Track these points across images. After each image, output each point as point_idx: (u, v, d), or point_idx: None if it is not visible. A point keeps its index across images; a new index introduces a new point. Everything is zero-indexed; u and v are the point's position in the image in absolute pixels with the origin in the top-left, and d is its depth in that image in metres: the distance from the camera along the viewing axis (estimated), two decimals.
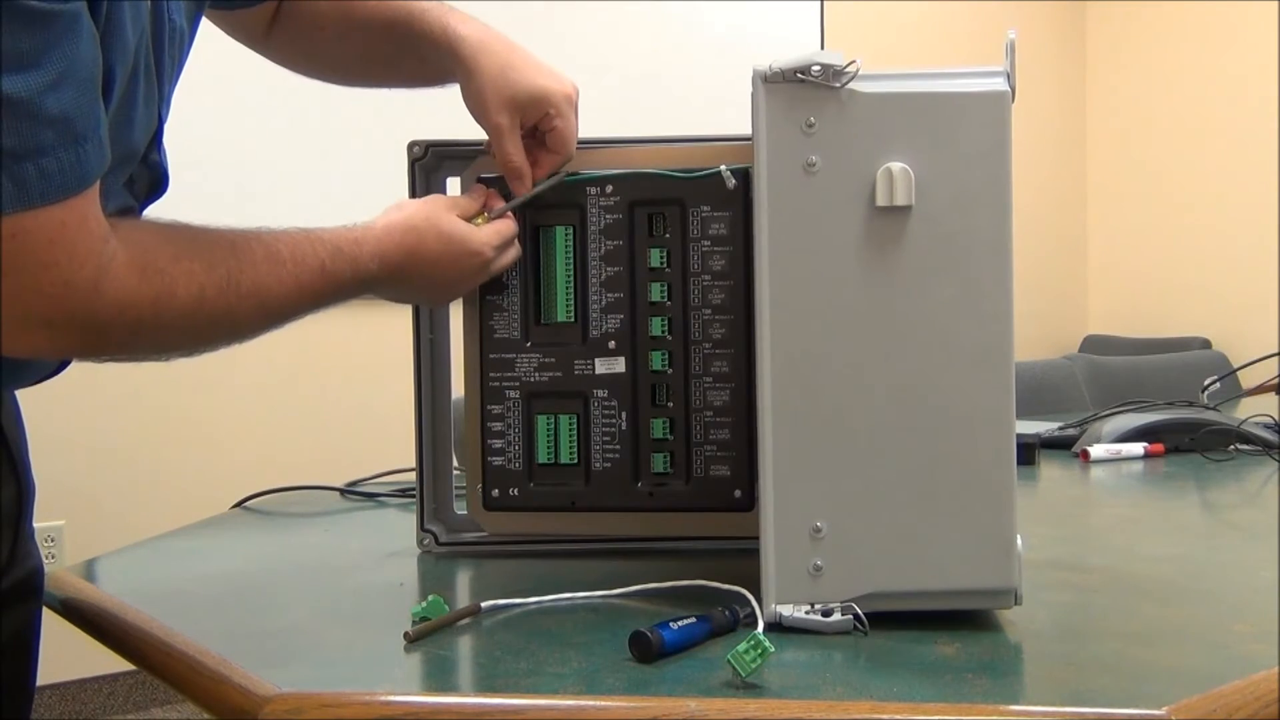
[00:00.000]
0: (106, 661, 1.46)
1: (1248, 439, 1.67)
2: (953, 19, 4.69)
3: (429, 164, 1.07)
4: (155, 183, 0.94)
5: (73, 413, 2.87)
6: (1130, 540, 1.17)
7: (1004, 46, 0.81)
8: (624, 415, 1.02)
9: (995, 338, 0.80)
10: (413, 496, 1.12)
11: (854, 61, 0.79)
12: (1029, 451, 1.59)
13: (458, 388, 1.09)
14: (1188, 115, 4.88)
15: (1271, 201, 4.55)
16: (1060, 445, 1.74)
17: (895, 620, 0.79)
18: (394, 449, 1.56)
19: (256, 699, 0.69)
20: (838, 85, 0.79)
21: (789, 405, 0.80)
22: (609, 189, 1.02)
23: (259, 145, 3.13)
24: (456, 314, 1.06)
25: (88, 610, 0.93)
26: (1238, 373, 2.39)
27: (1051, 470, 1.59)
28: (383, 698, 0.69)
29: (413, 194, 1.06)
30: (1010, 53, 0.80)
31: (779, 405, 0.80)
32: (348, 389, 3.33)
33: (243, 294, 0.85)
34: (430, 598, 0.82)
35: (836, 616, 0.78)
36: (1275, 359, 2.14)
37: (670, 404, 1.02)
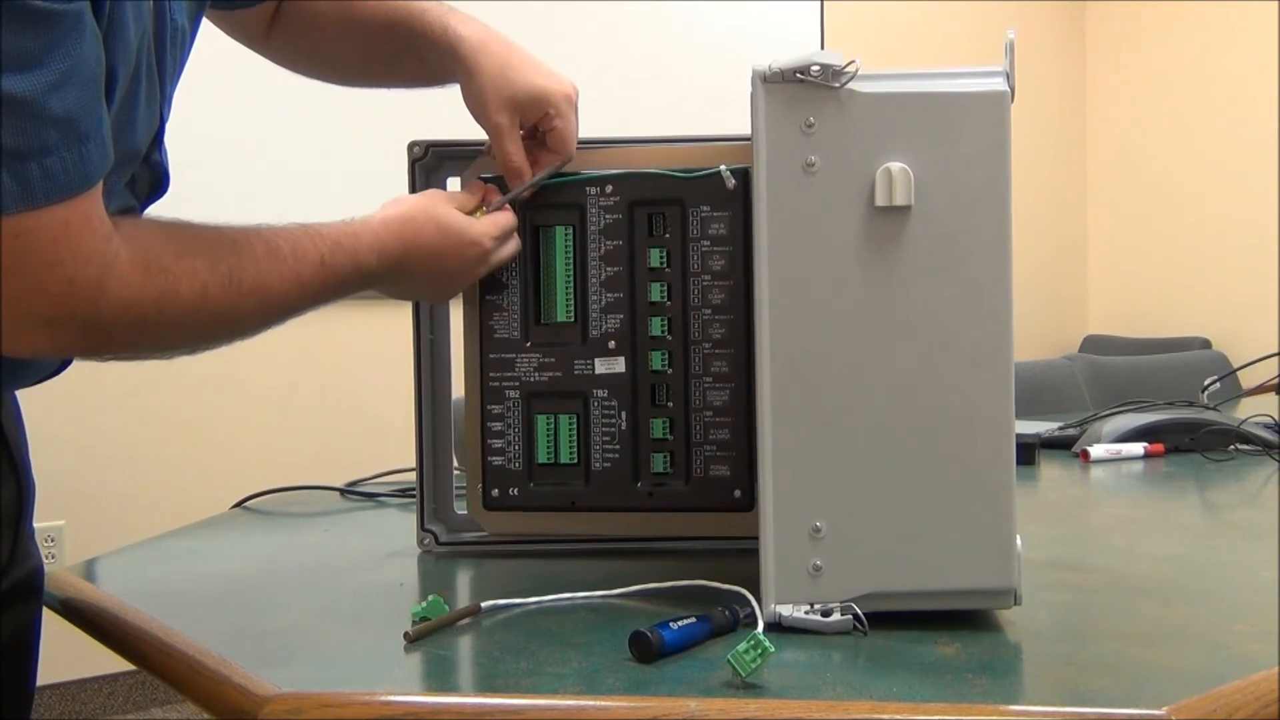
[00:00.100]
0: (106, 661, 1.46)
1: (1248, 439, 1.67)
2: (953, 19, 4.69)
3: (429, 164, 1.07)
4: (156, 182, 0.94)
5: (73, 413, 2.87)
6: (1130, 540, 1.17)
7: (1003, 46, 0.81)
8: (624, 415, 1.02)
9: (995, 338, 0.80)
10: (412, 496, 1.13)
11: (853, 61, 0.79)
12: (1029, 451, 1.59)
13: (458, 388, 1.09)
14: (1188, 115, 4.88)
15: (1271, 201, 4.55)
16: (1060, 445, 1.74)
17: (895, 620, 0.79)
18: (394, 449, 1.56)
19: (256, 699, 0.69)
20: (837, 85, 0.79)
21: (788, 405, 0.80)
22: (609, 189, 1.02)
23: (259, 145, 3.14)
24: (457, 314, 1.06)
25: (88, 610, 0.93)
26: (1238, 373, 2.39)
27: (1051, 470, 1.59)
28: (383, 698, 0.69)
29: (413, 193, 1.06)
30: (1010, 53, 0.80)
31: (778, 405, 0.80)
32: (348, 389, 3.33)
33: (245, 290, 0.85)
34: (430, 598, 0.82)
35: (836, 616, 0.78)
36: (1275, 359, 2.14)
37: (670, 404, 1.02)
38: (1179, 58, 4.91)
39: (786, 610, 0.79)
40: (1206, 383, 1.95)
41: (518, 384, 1.04)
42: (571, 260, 1.03)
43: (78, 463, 2.96)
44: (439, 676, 0.77)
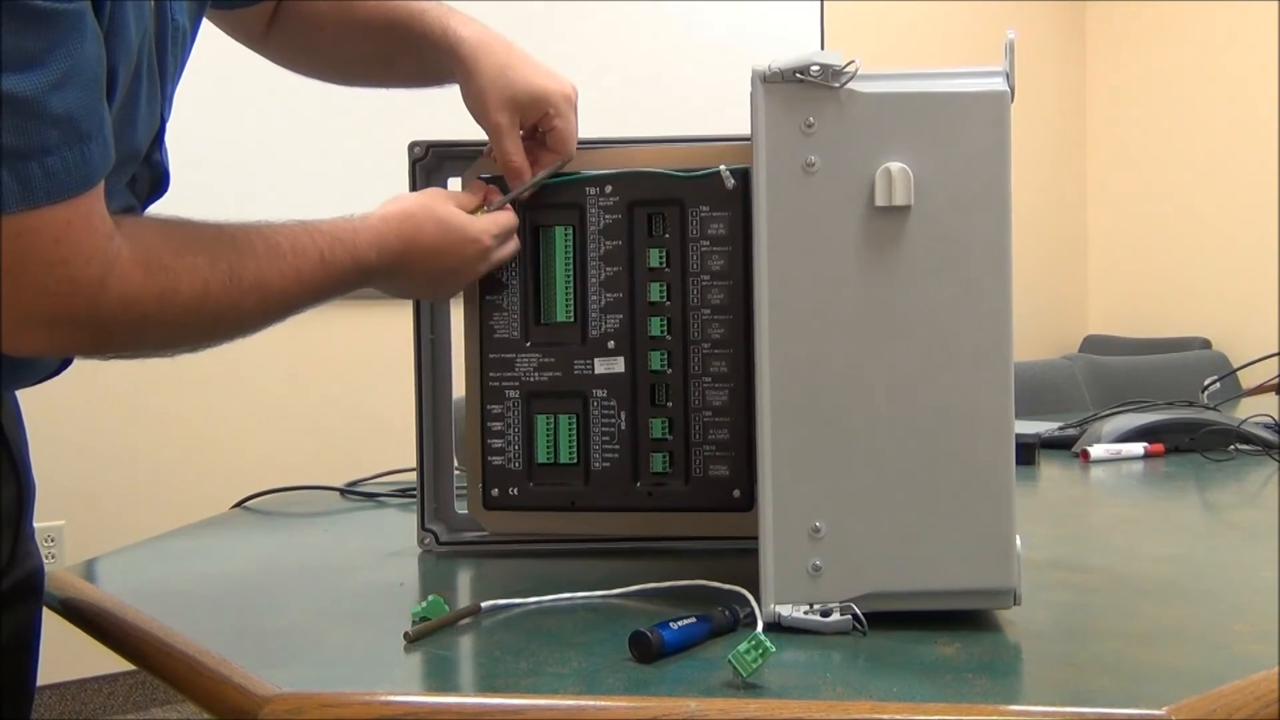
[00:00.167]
0: (106, 661, 1.46)
1: (1248, 439, 1.67)
2: (953, 19, 4.69)
3: (430, 164, 1.07)
4: (157, 182, 0.94)
5: (73, 413, 2.87)
6: (1130, 540, 1.17)
7: (1003, 46, 0.81)
8: (623, 415, 1.02)
9: (994, 338, 0.80)
10: (413, 496, 1.13)
11: (853, 61, 0.79)
12: (1029, 451, 1.59)
13: (458, 388, 1.09)
14: (1188, 115, 4.88)
15: (1271, 201, 4.55)
16: (1060, 445, 1.74)
17: (895, 620, 0.79)
18: (394, 449, 1.56)
19: (256, 699, 0.69)
20: (837, 85, 0.79)
21: (788, 405, 0.80)
22: (608, 189, 1.02)
23: (259, 145, 3.14)
24: (457, 314, 1.07)
25: (88, 610, 0.93)
26: (1238, 373, 2.39)
27: (1051, 470, 1.59)
28: (383, 698, 0.69)
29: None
30: (1010, 53, 0.80)
31: (778, 405, 0.80)
32: (348, 389, 3.33)
33: (245, 288, 0.85)
34: (430, 598, 0.82)
35: (835, 616, 0.78)
36: (1275, 359, 2.14)
37: (669, 404, 1.02)
38: (1179, 58, 4.91)
39: (786, 610, 0.79)
40: (1206, 383, 1.95)
41: (517, 384, 1.04)
42: (571, 260, 1.03)
43: (78, 463, 2.96)
44: (439, 676, 0.77)
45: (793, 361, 0.80)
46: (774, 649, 0.69)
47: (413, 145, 1.07)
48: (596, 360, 1.03)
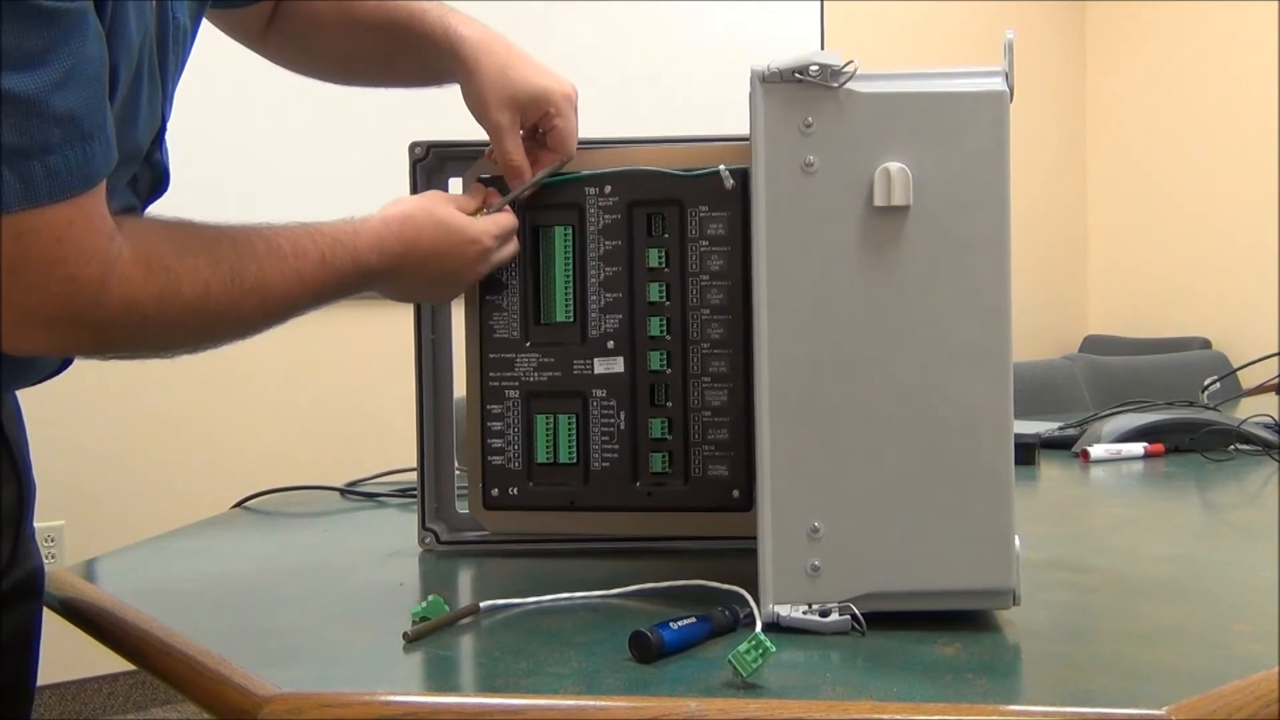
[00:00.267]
0: (106, 661, 1.46)
1: (1248, 439, 1.67)
2: (953, 19, 4.69)
3: (430, 164, 1.07)
4: (157, 181, 0.94)
5: (73, 413, 2.87)
6: (1130, 540, 1.17)
7: (1003, 46, 0.81)
8: (622, 415, 1.02)
9: (993, 337, 0.80)
10: (413, 496, 1.13)
11: (851, 61, 0.79)
12: (1029, 451, 1.59)
13: (459, 388, 1.09)
14: (1188, 115, 4.88)
15: (1271, 201, 4.55)
16: (1060, 445, 1.74)
17: (894, 620, 0.79)
18: (394, 449, 1.56)
19: (256, 699, 0.69)
20: (835, 85, 0.79)
21: (787, 405, 0.80)
22: (608, 189, 1.02)
23: (259, 145, 3.14)
24: (458, 314, 1.07)
25: (88, 610, 0.93)
26: (1238, 373, 2.39)
27: (1051, 470, 1.59)
28: (383, 698, 0.69)
29: (414, 194, 1.06)
30: (1009, 53, 0.80)
31: (777, 405, 0.80)
32: (348, 389, 3.33)
33: (246, 289, 0.85)
34: (430, 598, 0.82)
35: (834, 617, 0.78)
36: (1275, 359, 2.14)
37: (669, 404, 1.02)
38: (1179, 58, 4.91)
39: (785, 610, 0.79)
40: (1206, 383, 1.95)
41: (517, 384, 1.04)
42: (571, 260, 1.03)
43: (78, 463, 2.96)
44: (439, 676, 0.77)
45: (792, 361, 0.80)
46: (774, 649, 0.69)
47: (413, 145, 1.07)
48: (596, 360, 1.03)
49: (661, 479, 1.02)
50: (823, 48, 3.98)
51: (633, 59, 3.69)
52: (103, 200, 0.77)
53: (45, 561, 0.99)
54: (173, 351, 0.88)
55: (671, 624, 0.75)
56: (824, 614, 0.79)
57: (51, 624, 0.97)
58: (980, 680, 0.70)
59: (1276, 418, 1.72)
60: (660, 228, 1.02)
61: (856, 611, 0.78)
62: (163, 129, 0.91)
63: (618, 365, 1.02)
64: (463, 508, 1.09)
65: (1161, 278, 5.00)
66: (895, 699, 0.66)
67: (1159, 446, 1.67)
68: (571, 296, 1.03)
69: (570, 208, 1.03)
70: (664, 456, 1.02)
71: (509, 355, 1.04)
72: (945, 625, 0.79)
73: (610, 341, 1.03)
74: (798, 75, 0.79)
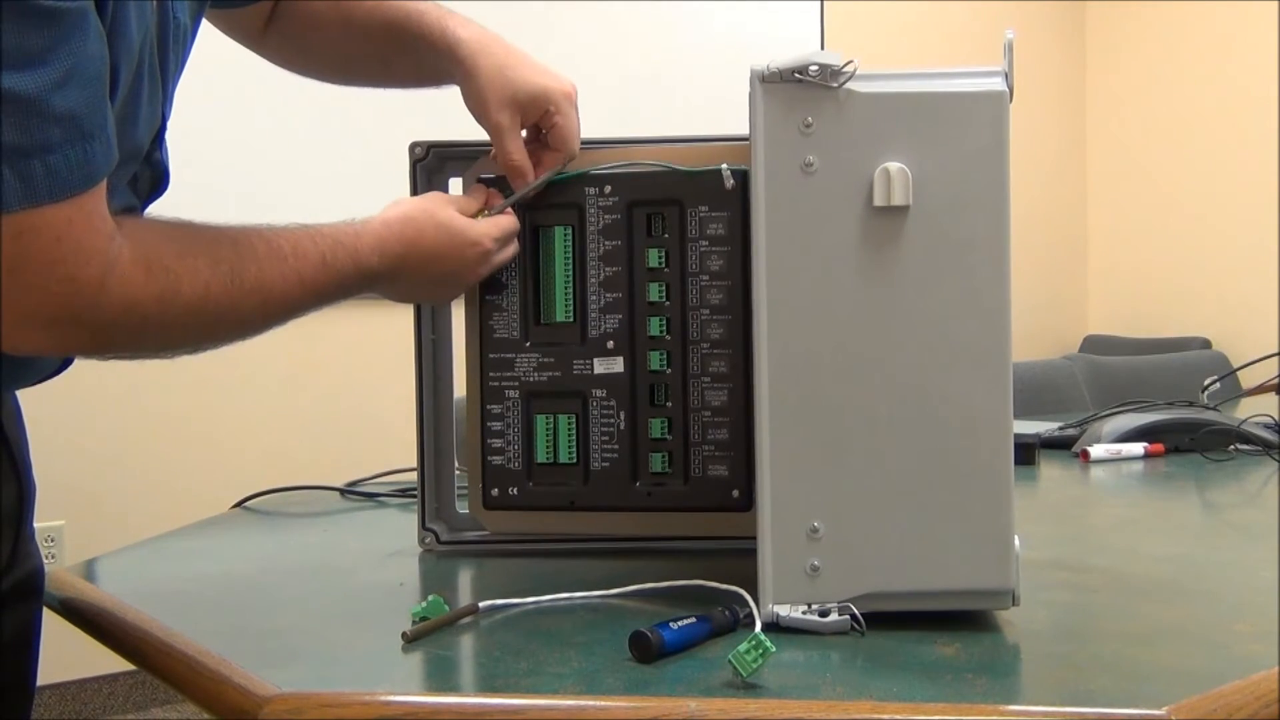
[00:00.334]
0: (106, 661, 1.46)
1: (1248, 439, 1.67)
2: (953, 19, 4.69)
3: (431, 165, 1.07)
4: (157, 181, 0.94)
5: (73, 413, 2.87)
6: (1130, 540, 1.17)
7: (1003, 46, 0.81)
8: (622, 415, 1.02)
9: (993, 337, 0.80)
10: (413, 496, 1.13)
11: (851, 61, 0.79)
12: (1029, 451, 1.59)
13: (459, 388, 1.09)
14: (1188, 115, 4.88)
15: (1271, 201, 4.55)
16: (1060, 445, 1.74)
17: (894, 620, 0.79)
18: (394, 449, 1.56)
19: (256, 699, 0.69)
20: (835, 85, 0.79)
21: (787, 405, 0.80)
22: (608, 189, 1.02)
23: (259, 145, 3.14)
24: (458, 314, 1.07)
25: (88, 610, 0.93)
26: (1238, 373, 2.39)
27: (1051, 470, 1.59)
28: (382, 698, 0.69)
29: (414, 195, 1.06)
30: (1009, 53, 0.80)
31: (776, 405, 0.80)
32: (348, 389, 3.33)
33: (246, 290, 0.85)
34: (430, 598, 0.83)
35: (834, 617, 0.78)
36: (1275, 359, 2.14)
37: (668, 404, 1.02)
38: (1179, 58, 4.91)
39: (784, 610, 0.79)
40: (1206, 383, 1.95)
41: (517, 384, 1.04)
42: (571, 260, 1.03)
43: (78, 463, 2.96)
44: (439, 676, 0.77)
45: (791, 361, 0.80)
46: (774, 649, 0.69)
47: (414, 146, 1.07)
48: (596, 360, 1.03)
49: (661, 479, 1.02)
50: (823, 48, 3.98)
51: (633, 59, 3.69)
52: (103, 200, 0.77)
53: (45, 561, 0.99)
54: (173, 352, 0.88)
55: (671, 624, 0.75)
56: (824, 614, 0.79)
57: (51, 624, 0.97)
58: (980, 680, 0.70)
59: (1276, 418, 1.72)
60: (660, 228, 1.02)
61: (856, 611, 0.78)
62: (163, 129, 0.91)
63: (617, 365, 1.02)
64: (463, 508, 1.09)
65: (1161, 278, 5.00)
66: (895, 699, 0.66)
67: (1159, 446, 1.67)
68: (571, 296, 1.03)
69: (570, 208, 1.03)
70: (664, 456, 1.02)
71: (509, 355, 1.04)
72: (945, 625, 0.79)
73: (610, 341, 1.03)
74: (797, 75, 0.79)
